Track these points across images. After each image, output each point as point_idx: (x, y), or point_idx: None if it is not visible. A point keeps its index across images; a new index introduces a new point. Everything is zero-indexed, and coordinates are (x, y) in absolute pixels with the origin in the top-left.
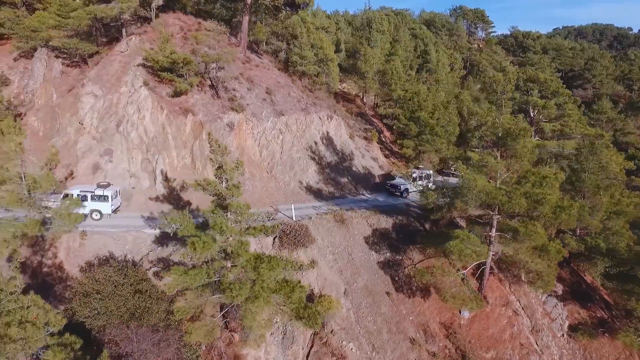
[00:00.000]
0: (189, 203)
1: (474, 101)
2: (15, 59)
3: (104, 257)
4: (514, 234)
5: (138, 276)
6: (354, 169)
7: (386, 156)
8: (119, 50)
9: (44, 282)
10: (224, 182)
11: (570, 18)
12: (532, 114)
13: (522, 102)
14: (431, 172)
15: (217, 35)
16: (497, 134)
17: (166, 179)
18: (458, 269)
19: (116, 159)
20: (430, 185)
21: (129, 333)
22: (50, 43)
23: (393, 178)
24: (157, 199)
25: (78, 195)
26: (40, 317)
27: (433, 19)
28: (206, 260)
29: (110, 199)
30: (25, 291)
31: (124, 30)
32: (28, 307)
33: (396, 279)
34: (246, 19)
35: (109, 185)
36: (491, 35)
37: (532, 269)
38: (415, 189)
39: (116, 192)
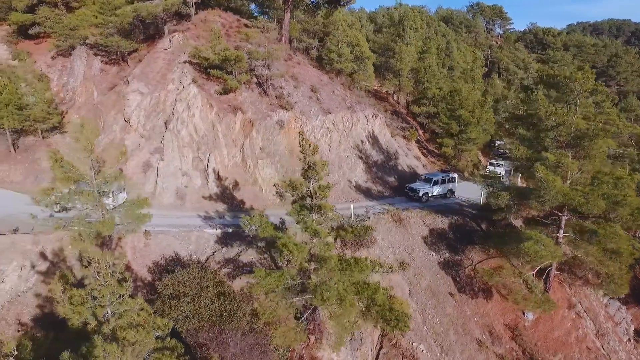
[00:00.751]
0: (242, 202)
1: (502, 99)
2: (53, 57)
3: (170, 258)
4: (590, 235)
5: (217, 278)
6: (399, 168)
7: (424, 155)
8: (162, 48)
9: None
10: (311, 183)
11: (584, 14)
12: None
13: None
14: (456, 175)
15: (265, 32)
16: (571, 134)
17: (218, 177)
18: (519, 271)
19: (167, 157)
20: (453, 189)
21: (224, 337)
22: (93, 41)
23: (414, 180)
24: (210, 197)
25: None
26: (148, 320)
27: (450, 16)
28: (287, 262)
29: (111, 195)
30: None
31: (165, 28)
32: (137, 310)
33: (457, 279)
34: (287, 16)
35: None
36: (509, 31)
37: (603, 271)
38: (437, 193)
39: (119, 187)
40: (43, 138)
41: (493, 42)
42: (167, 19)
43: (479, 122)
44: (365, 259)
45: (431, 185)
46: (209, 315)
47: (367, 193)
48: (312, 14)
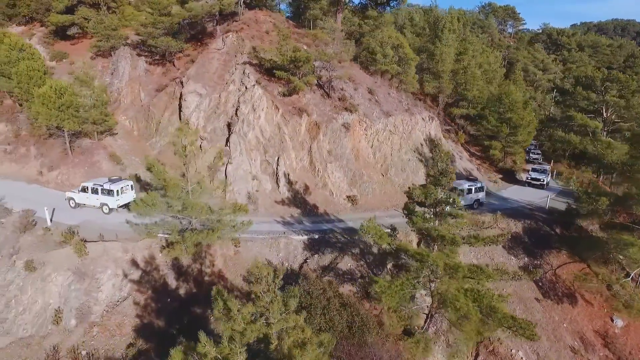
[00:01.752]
0: (315, 207)
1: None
2: (92, 58)
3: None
4: None
5: (333, 287)
6: (457, 171)
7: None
8: (216, 48)
9: (209, 292)
10: (439, 190)
11: (586, 13)
12: (605, 114)
13: (597, 102)
14: (483, 183)
15: (332, 33)
16: None
17: (289, 181)
18: (609, 276)
19: (236, 160)
20: (481, 199)
21: (367, 350)
22: (135, 41)
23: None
24: (282, 202)
25: (92, 188)
26: (312, 337)
27: (463, 17)
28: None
29: (115, 194)
30: (195, 301)
31: (217, 28)
32: (301, 326)
33: (540, 284)
34: (339, 17)
35: (119, 179)
36: (522, 32)
37: None
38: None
39: (125, 187)
40: (98, 140)
41: (507, 42)
42: (215, 19)
43: (529, 124)
44: (487, 265)
45: (457, 194)
46: (341, 327)
47: None
48: (360, 16)
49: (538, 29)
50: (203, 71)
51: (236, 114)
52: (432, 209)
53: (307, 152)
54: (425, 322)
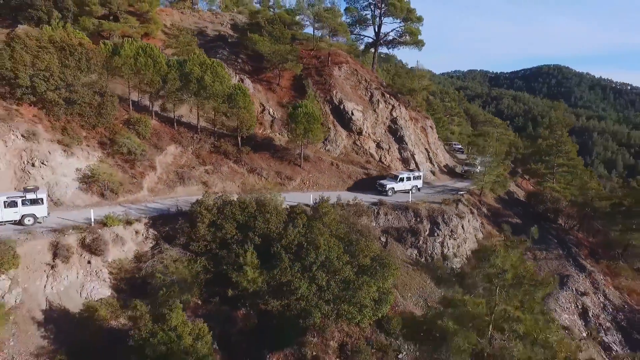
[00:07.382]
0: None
1: None
2: None
3: None
4: None
5: None
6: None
7: None
8: (338, 75)
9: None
10: None
11: None
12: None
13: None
14: (421, 173)
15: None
16: None
17: (437, 163)
18: None
19: (417, 154)
20: (419, 185)
21: None
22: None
23: (384, 178)
24: (443, 174)
25: (4, 202)
26: None
27: None
28: None
29: (44, 202)
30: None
31: (329, 59)
32: None
33: None
34: (377, 52)
35: (37, 188)
36: None
37: None
38: (402, 189)
39: (46, 194)
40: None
41: None
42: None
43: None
44: None
45: (397, 181)
46: None
47: None
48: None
49: None
50: (344, 93)
51: (396, 123)
52: None
53: (427, 144)
54: None
